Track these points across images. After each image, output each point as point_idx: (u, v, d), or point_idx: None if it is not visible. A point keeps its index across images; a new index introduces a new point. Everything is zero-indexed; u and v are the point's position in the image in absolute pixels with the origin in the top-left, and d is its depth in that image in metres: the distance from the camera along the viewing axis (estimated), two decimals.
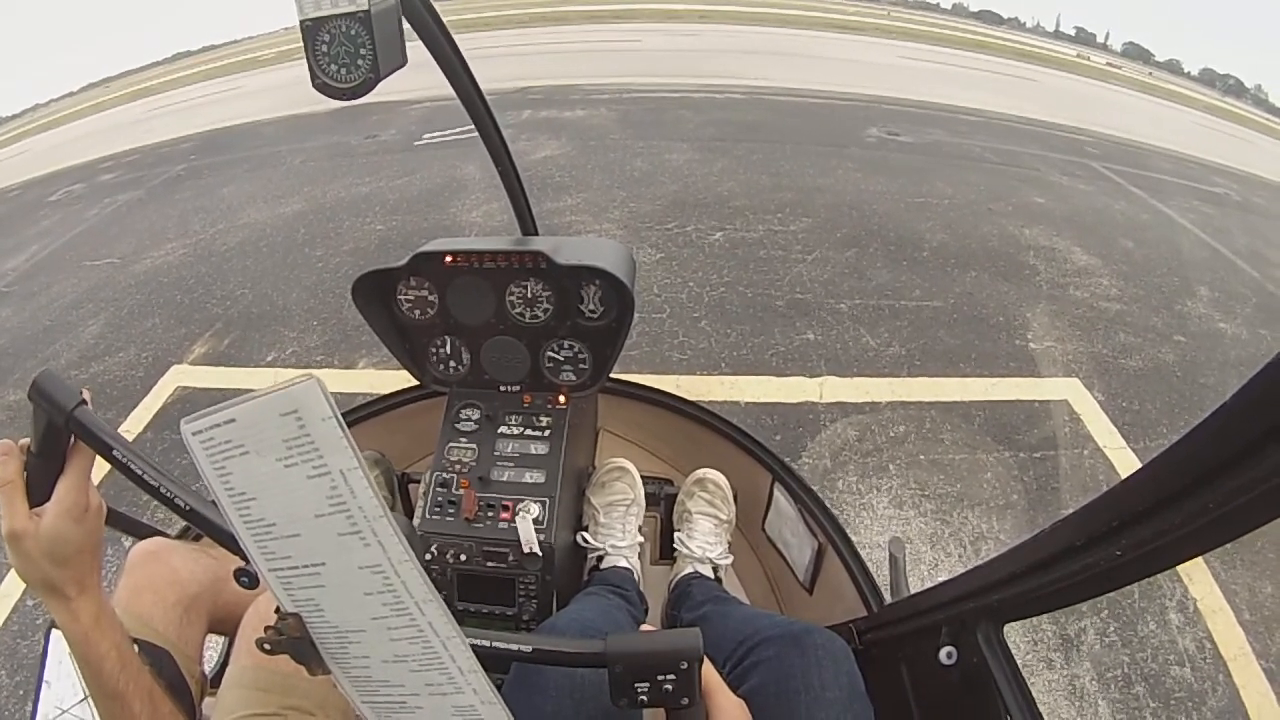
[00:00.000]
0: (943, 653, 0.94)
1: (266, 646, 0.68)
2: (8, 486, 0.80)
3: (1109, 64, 34.88)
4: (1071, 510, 0.65)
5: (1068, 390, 4.03)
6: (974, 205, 6.83)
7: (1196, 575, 2.95)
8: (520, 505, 1.43)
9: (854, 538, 1.57)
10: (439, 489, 1.48)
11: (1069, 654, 2.65)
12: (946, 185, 7.28)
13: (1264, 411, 0.43)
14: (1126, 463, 3.48)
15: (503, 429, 1.56)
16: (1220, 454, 0.47)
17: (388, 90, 0.92)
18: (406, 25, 0.98)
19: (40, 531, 0.80)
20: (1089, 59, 33.22)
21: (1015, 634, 2.66)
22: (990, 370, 4.15)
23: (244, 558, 0.67)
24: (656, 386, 1.96)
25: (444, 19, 1.13)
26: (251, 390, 0.56)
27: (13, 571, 2.83)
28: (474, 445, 1.54)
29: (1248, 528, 0.50)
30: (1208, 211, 8.06)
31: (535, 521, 1.40)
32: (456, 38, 1.18)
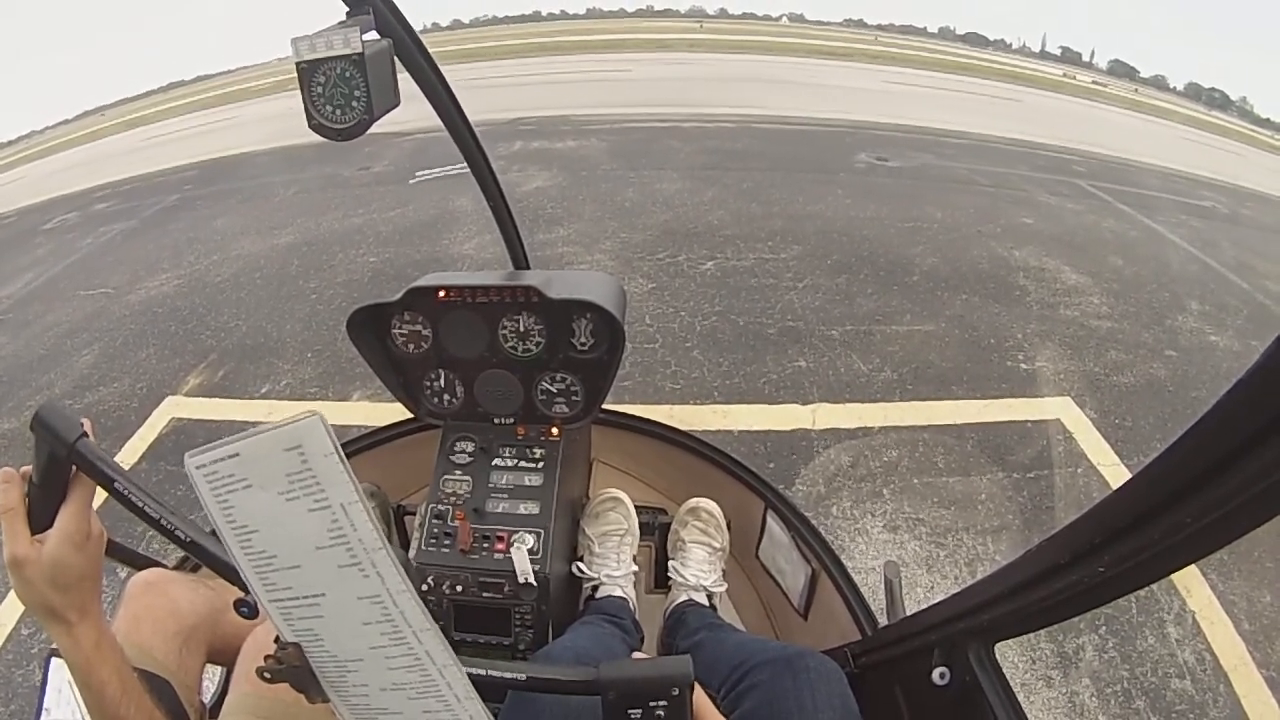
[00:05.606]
0: (935, 673, 0.95)
1: (267, 675, 0.69)
2: (9, 513, 0.81)
3: (1095, 82, 35.45)
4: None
5: (1060, 409, 4.04)
6: (963, 228, 6.90)
7: (1194, 587, 2.95)
8: (515, 536, 1.44)
9: (849, 563, 1.58)
10: (434, 521, 1.49)
11: (1068, 671, 2.64)
12: (936, 209, 7.35)
13: (1225, 432, 0.45)
14: (1120, 479, 3.45)
15: (497, 461, 1.57)
16: (1195, 468, 0.50)
17: (380, 122, 0.94)
18: (399, 64, 1.01)
19: (43, 558, 0.81)
20: (1075, 78, 33.73)
21: (1013, 653, 2.66)
22: (982, 392, 4.17)
23: (244, 589, 0.68)
24: (649, 417, 1.97)
25: (433, 52, 1.16)
26: (247, 422, 0.58)
27: (5, 600, 2.81)
28: (469, 477, 1.55)
29: (1223, 541, 0.52)
30: (1196, 225, 8.16)
31: (530, 552, 1.41)
32: (447, 68, 1.22)
